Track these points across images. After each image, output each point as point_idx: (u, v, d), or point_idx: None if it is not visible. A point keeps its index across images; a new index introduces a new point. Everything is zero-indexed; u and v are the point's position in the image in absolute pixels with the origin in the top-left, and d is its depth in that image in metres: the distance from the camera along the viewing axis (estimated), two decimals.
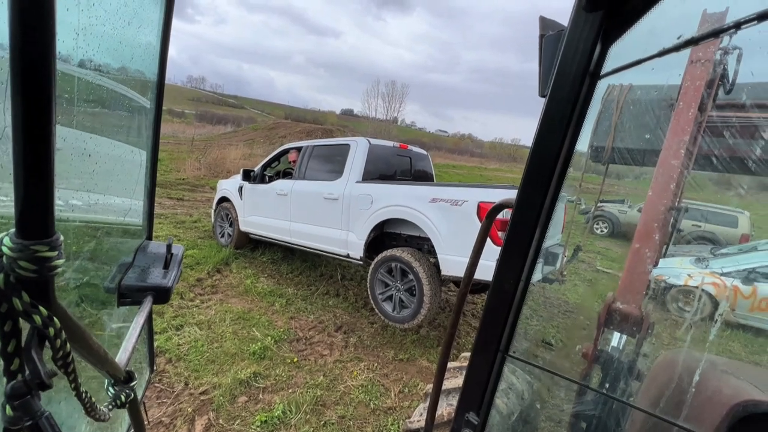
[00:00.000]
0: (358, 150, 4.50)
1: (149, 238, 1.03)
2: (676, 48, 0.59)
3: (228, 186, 6.19)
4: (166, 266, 0.92)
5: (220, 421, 2.63)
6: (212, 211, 6.64)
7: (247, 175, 5.67)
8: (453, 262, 3.52)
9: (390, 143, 5.05)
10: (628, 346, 0.94)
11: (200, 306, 4.21)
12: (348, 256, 4.39)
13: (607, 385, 0.89)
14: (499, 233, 3.17)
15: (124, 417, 0.96)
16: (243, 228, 5.83)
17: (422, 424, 1.76)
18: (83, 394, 0.46)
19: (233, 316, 4.05)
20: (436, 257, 3.67)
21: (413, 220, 3.77)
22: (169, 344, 3.37)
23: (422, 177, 5.49)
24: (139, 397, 1.10)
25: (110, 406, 0.59)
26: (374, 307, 4.06)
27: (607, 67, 0.66)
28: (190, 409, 2.68)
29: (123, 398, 0.62)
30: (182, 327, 3.71)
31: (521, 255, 0.72)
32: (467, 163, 45.71)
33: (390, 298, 3.97)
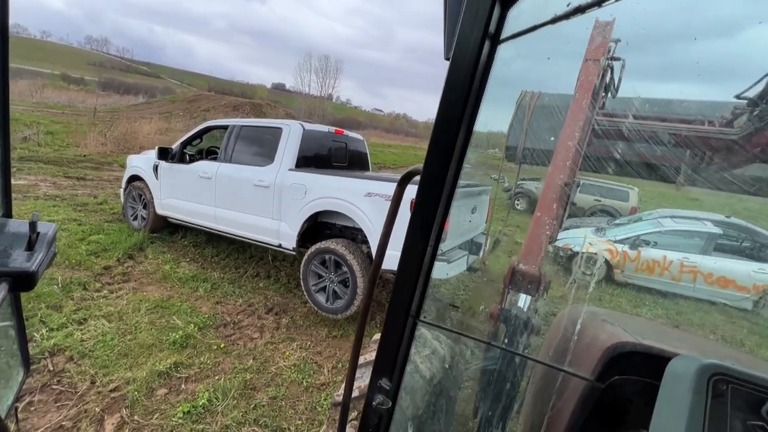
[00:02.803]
0: (291, 135, 4.25)
1: (7, 215, 0.86)
2: (566, 15, 0.61)
3: (140, 163, 5.51)
4: (31, 248, 0.77)
5: (136, 417, 2.42)
6: (122, 191, 5.91)
7: (164, 154, 5.05)
8: (387, 256, 3.56)
9: (325, 128, 4.85)
10: (530, 304, 1.02)
11: (109, 297, 3.78)
12: (280, 246, 4.21)
13: (508, 341, 0.97)
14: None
15: None
16: (160, 211, 5.27)
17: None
18: None
19: (150, 305, 3.71)
20: (369, 247, 3.69)
21: (348, 213, 3.71)
22: (69, 341, 2.98)
23: (358, 163, 5.41)
24: (8, 403, 0.95)
25: None
26: (307, 298, 3.98)
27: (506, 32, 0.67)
28: (97, 409, 2.43)
29: None
30: (86, 321, 3.31)
31: (429, 221, 0.73)
32: (402, 143, 46.39)
33: (324, 289, 3.91)
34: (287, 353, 3.35)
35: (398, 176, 4.31)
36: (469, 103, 0.65)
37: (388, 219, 0.86)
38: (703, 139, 1.30)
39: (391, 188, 3.53)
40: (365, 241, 3.77)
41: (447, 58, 0.67)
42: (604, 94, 1.65)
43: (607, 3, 0.59)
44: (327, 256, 3.82)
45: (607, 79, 1.62)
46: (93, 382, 2.65)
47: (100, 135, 12.66)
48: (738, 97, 1.26)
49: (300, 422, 2.61)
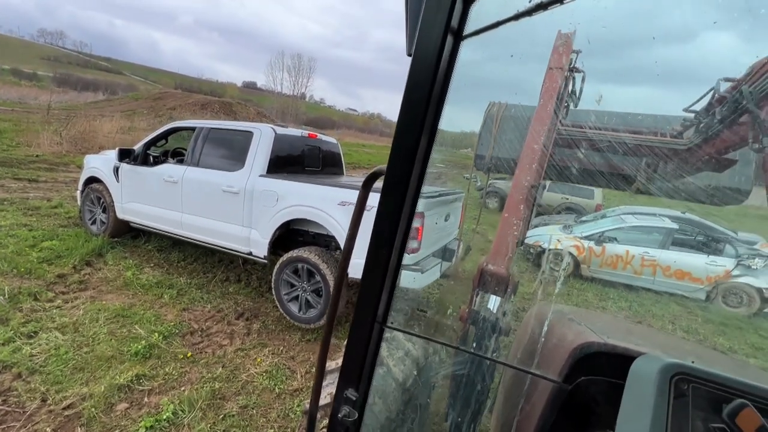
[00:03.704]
0: (262, 139, 4.10)
1: None
2: (528, 12, 0.60)
3: (98, 164, 5.19)
4: None
5: None
6: (78, 193, 5.55)
7: (126, 155, 4.79)
8: (360, 266, 3.52)
9: (298, 132, 4.72)
10: (499, 305, 1.02)
11: (63, 307, 3.53)
12: (251, 254, 4.06)
13: (477, 344, 0.96)
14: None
15: None
16: (121, 215, 4.98)
17: (323, 402, 1.74)
18: None
19: (109, 315, 3.50)
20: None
21: (321, 221, 3.63)
22: (17, 356, 2.76)
23: (332, 167, 5.31)
24: None
25: None
26: (279, 307, 3.87)
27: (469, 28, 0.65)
28: (49, 429, 2.25)
29: None
30: (37, 333, 3.07)
31: (393, 223, 0.70)
32: (377, 143, 46.41)
33: (296, 298, 3.81)
34: (259, 359, 3.24)
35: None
36: (432, 100, 0.63)
37: (353, 223, 0.83)
38: (655, 149, 1.37)
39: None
40: (338, 248, 3.70)
41: (409, 54, 0.64)
42: (566, 103, 1.71)
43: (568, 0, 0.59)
44: (299, 265, 3.72)
45: (569, 89, 1.69)
46: (44, 400, 2.46)
47: (55, 134, 11.88)
48: (686, 110, 1.34)
49: (272, 430, 2.53)
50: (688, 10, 1.15)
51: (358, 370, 0.76)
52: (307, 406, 1.69)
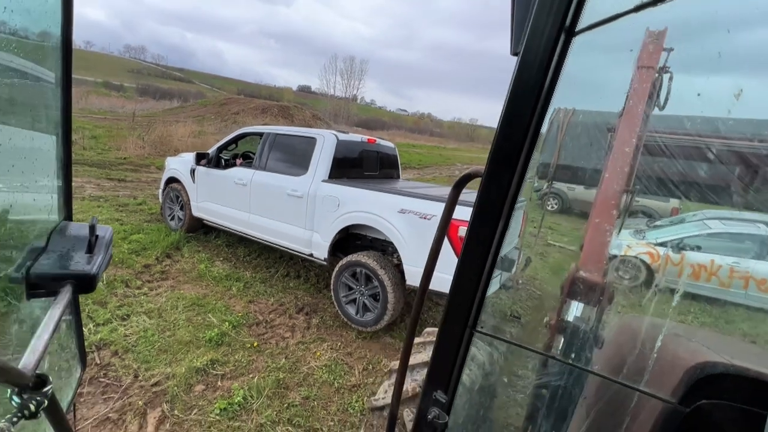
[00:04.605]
0: (325, 146, 4.25)
1: (68, 218, 0.88)
2: (653, 2, 0.56)
3: (177, 165, 5.72)
4: (90, 250, 0.79)
5: (176, 412, 2.50)
6: (160, 191, 6.15)
7: (201, 158, 5.27)
8: (418, 273, 3.51)
9: (358, 137, 4.84)
10: (589, 314, 0.96)
11: (149, 294, 3.93)
12: (312, 255, 4.24)
13: (572, 355, 0.91)
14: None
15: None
16: (196, 213, 5.46)
17: (387, 401, 1.76)
18: None
19: (186, 303, 3.83)
20: (400, 260, 3.64)
21: (380, 228, 3.68)
22: (114, 336, 3.12)
23: (389, 171, 5.42)
24: (68, 398, 0.98)
25: (14, 419, 0.49)
26: (337, 309, 3.98)
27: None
28: (141, 403, 2.52)
29: (32, 407, 0.51)
30: (129, 317, 3.45)
31: (490, 227, 0.69)
32: (427, 143, 46.07)
33: (354, 301, 3.90)
34: (318, 353, 3.37)
35: (432, 192, 4.20)
36: (539, 101, 0.61)
37: (441, 224, 0.83)
38: (751, 156, 1.21)
39: (425, 206, 3.45)
40: (396, 253, 3.73)
41: (515, 53, 0.63)
42: (654, 105, 1.58)
43: None
44: (358, 269, 3.80)
45: (657, 90, 1.56)
46: (136, 376, 2.76)
47: (139, 138, 13.29)
48: None
49: (332, 423, 2.62)
50: None
51: (448, 373, 0.76)
52: (374, 403, 1.72)
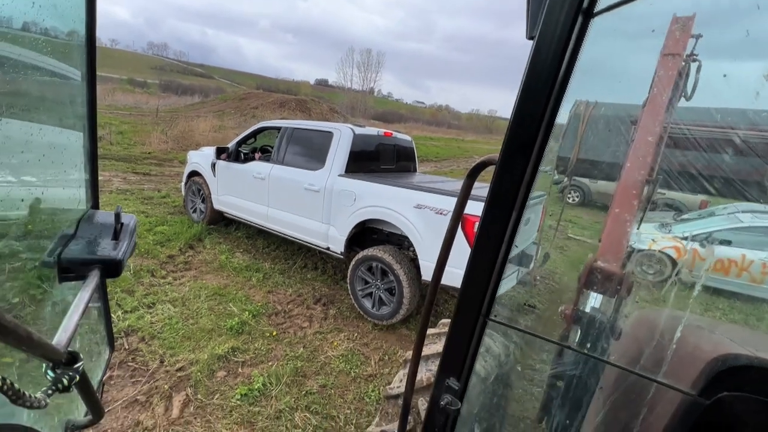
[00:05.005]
0: (342, 140, 4.27)
1: (95, 207, 0.92)
2: None
3: (199, 159, 5.86)
4: (116, 237, 0.83)
5: (199, 396, 2.60)
6: (182, 185, 6.33)
7: (222, 152, 5.39)
8: (427, 268, 3.51)
9: (375, 131, 4.83)
10: (606, 305, 0.94)
11: (173, 283, 4.08)
12: (328, 249, 4.29)
13: (583, 344, 0.90)
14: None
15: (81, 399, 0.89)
16: (217, 206, 5.60)
17: (402, 389, 1.78)
18: None
19: (208, 293, 3.96)
20: (416, 255, 3.64)
21: (396, 223, 3.69)
22: (141, 323, 3.26)
23: (405, 164, 5.41)
24: (98, 378, 1.03)
25: (49, 391, 0.52)
26: (353, 301, 4.02)
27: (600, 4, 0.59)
28: (166, 386, 2.63)
29: (65, 381, 0.55)
30: (155, 305, 3.59)
31: (504, 213, 0.68)
32: (445, 135, 45.55)
33: (370, 294, 3.93)
34: (335, 343, 3.42)
35: (448, 187, 4.13)
36: (555, 86, 0.59)
37: (455, 213, 0.82)
38: None
39: (441, 201, 3.43)
40: (411, 247, 3.73)
41: (530, 37, 0.61)
42: (681, 94, 1.51)
43: None
44: (374, 264, 3.82)
45: (683, 78, 1.49)
46: (162, 362, 2.88)
47: (162, 133, 13.67)
48: None
49: (349, 411, 2.66)
50: None
51: (461, 361, 0.76)
52: (390, 392, 1.74)
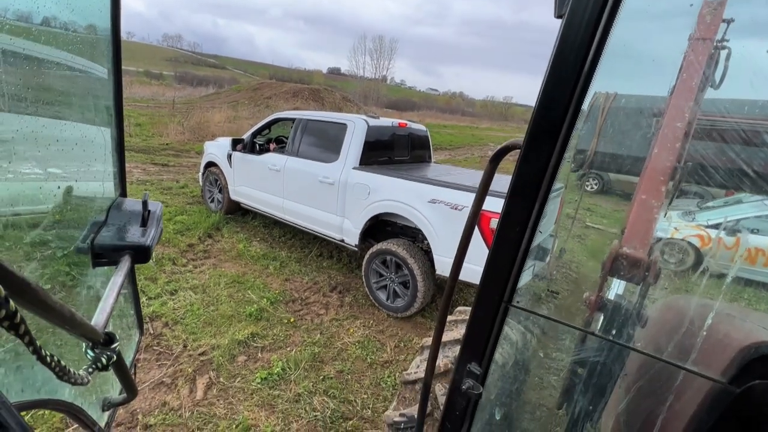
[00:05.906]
0: (356, 131, 4.24)
1: (123, 195, 0.95)
2: None
3: (215, 150, 5.94)
4: (144, 224, 0.85)
5: (221, 379, 2.69)
6: (200, 175, 6.44)
7: (237, 143, 5.44)
8: (448, 264, 3.48)
9: (389, 122, 4.78)
10: (632, 292, 0.92)
11: (193, 271, 4.19)
12: (343, 241, 4.30)
13: (613, 332, 0.89)
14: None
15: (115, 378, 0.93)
16: (233, 197, 5.68)
17: (419, 375, 1.81)
18: (47, 358, 0.41)
19: (227, 280, 4.05)
20: (429, 248, 3.62)
21: (411, 217, 3.67)
22: (164, 309, 3.37)
23: (420, 155, 5.37)
24: (130, 359, 1.08)
25: (90, 369, 0.55)
26: (368, 293, 4.05)
27: None
28: (190, 370, 2.73)
29: (104, 360, 0.57)
30: (177, 292, 3.70)
31: (529, 200, 0.67)
32: (459, 123, 44.90)
33: (384, 287, 3.95)
34: (351, 330, 3.47)
35: (463, 181, 4.05)
36: (586, 66, 0.58)
37: (477, 199, 0.81)
38: None
39: (456, 196, 3.38)
40: (425, 240, 3.71)
41: (559, 16, 0.59)
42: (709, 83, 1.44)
43: None
44: (388, 257, 3.83)
45: (713, 65, 1.42)
46: (185, 346, 2.98)
47: (179, 125, 13.88)
48: None
49: (366, 396, 2.72)
50: None
51: (483, 346, 0.76)
52: (407, 377, 1.76)
